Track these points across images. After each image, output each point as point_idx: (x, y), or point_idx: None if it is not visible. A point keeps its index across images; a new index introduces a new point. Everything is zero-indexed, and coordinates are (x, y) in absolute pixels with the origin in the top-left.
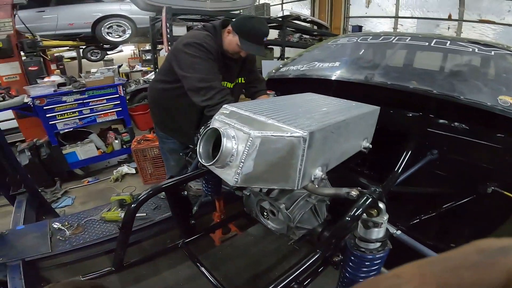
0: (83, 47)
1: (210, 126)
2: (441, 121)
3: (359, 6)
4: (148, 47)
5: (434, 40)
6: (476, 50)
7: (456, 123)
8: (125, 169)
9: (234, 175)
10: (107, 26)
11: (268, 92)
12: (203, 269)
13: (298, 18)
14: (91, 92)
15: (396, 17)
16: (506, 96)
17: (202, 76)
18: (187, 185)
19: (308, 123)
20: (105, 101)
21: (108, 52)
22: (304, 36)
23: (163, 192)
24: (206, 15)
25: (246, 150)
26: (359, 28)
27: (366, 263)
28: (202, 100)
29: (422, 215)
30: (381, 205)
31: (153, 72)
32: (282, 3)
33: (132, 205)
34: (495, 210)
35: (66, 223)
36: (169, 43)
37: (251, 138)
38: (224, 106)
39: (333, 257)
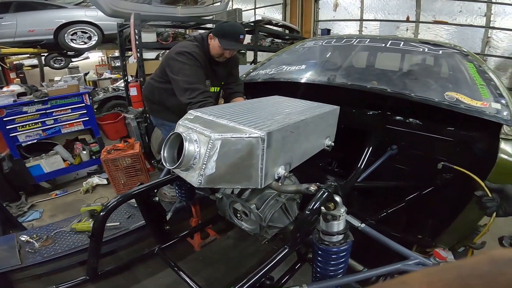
0: (45, 54)
1: (174, 131)
2: (397, 117)
3: (327, 10)
4: (117, 53)
5: (390, 41)
6: (426, 49)
7: (410, 119)
8: (95, 180)
9: (197, 176)
10: (71, 33)
11: None
12: (183, 274)
13: (270, 22)
14: (54, 101)
15: (361, 20)
16: (453, 92)
17: (189, 79)
18: (162, 192)
19: (268, 124)
20: (70, 110)
21: (73, 59)
22: (276, 40)
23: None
24: (178, 21)
25: (208, 152)
26: (328, 31)
27: (333, 256)
28: (186, 98)
29: (388, 209)
30: (337, 198)
31: (122, 80)
32: (255, 8)
33: (101, 213)
34: (454, 199)
35: (35, 236)
36: (138, 49)
37: (211, 141)
38: (189, 111)
39: (308, 253)
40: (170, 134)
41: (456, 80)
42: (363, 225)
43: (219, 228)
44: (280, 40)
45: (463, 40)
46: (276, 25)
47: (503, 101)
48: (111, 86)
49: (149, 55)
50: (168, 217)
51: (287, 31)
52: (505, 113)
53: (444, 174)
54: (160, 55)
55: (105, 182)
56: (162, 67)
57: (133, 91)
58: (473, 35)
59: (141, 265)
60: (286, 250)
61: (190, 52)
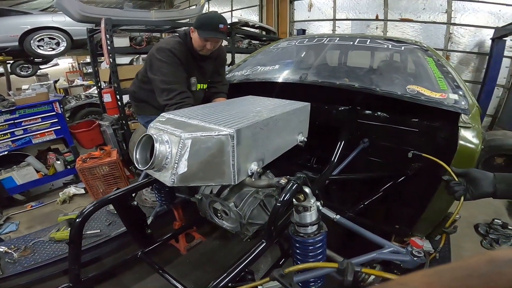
0: (11, 62)
1: (145, 133)
2: (367, 112)
3: (302, 10)
4: (88, 59)
5: (357, 40)
6: (390, 46)
7: (379, 113)
8: (72, 190)
9: (170, 176)
10: (38, 39)
11: None
12: (170, 278)
13: (246, 24)
14: (22, 111)
15: (334, 19)
16: (414, 85)
17: (166, 79)
18: (143, 198)
19: (238, 122)
20: (40, 120)
21: (41, 67)
22: (253, 41)
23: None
24: (152, 25)
25: (179, 152)
26: (303, 31)
27: (310, 247)
28: (163, 99)
29: (365, 200)
30: (306, 189)
31: (95, 87)
32: (232, 11)
33: (78, 219)
34: (424, 188)
35: (13, 246)
36: (110, 55)
37: (182, 140)
38: (162, 114)
39: (290, 249)
40: (141, 136)
41: (417, 74)
42: (338, 216)
43: (204, 231)
44: (257, 42)
45: (428, 37)
46: (253, 26)
47: (460, 92)
48: (83, 93)
49: (122, 60)
50: (149, 221)
51: (263, 33)
52: (462, 103)
53: (413, 164)
54: (134, 60)
55: (82, 191)
56: (145, 65)
57: (107, 98)
58: (436, 32)
59: (127, 271)
60: (264, 244)
61: (170, 48)
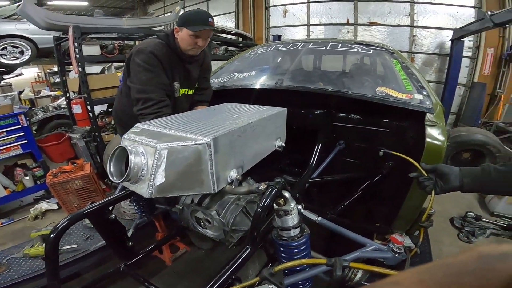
0: None
1: (119, 145)
2: (341, 114)
3: (277, 16)
4: (56, 68)
5: (330, 44)
6: (360, 50)
7: (352, 115)
8: (44, 205)
9: (147, 187)
10: (0, 48)
11: None
12: None
13: (223, 31)
14: None
15: (308, 24)
16: (382, 87)
17: (142, 87)
18: (121, 211)
19: (215, 130)
20: (4, 134)
21: (4, 77)
22: (230, 48)
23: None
24: (124, 33)
25: (155, 163)
26: (278, 37)
27: (294, 250)
28: (138, 109)
29: (345, 201)
30: (286, 193)
31: (63, 98)
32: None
33: (52, 235)
34: (399, 185)
35: None
36: (79, 64)
37: (157, 151)
38: (136, 125)
39: (276, 253)
40: (115, 148)
41: (384, 76)
42: (319, 218)
43: (189, 240)
44: (234, 48)
45: (394, 40)
46: (229, 33)
47: (424, 92)
48: (51, 104)
49: (93, 69)
50: (129, 233)
51: (240, 39)
52: (427, 103)
53: (387, 163)
54: (106, 68)
55: (55, 207)
56: (124, 73)
57: (76, 109)
58: (401, 34)
59: (111, 285)
60: (249, 250)
61: (151, 50)
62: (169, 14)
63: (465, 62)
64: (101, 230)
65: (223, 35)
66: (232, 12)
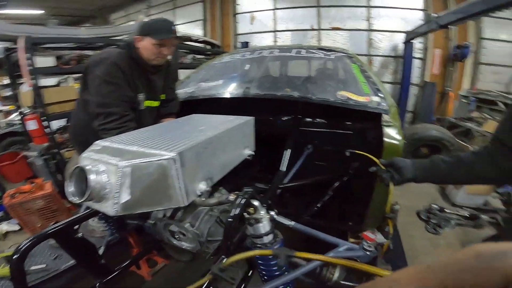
0: None
1: (77, 165)
2: (307, 119)
3: (245, 23)
4: (6, 81)
5: (294, 50)
6: (322, 55)
7: (318, 120)
8: (4, 227)
9: (112, 206)
10: None
11: None
12: None
13: (189, 39)
14: None
15: (275, 31)
16: (343, 91)
17: (103, 101)
18: (90, 229)
19: (180, 144)
20: None
21: None
22: (198, 56)
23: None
24: (82, 42)
25: (119, 181)
26: (246, 44)
27: (269, 256)
28: (99, 124)
29: (318, 203)
30: (255, 202)
31: (17, 113)
32: (174, 25)
33: (15, 256)
34: (366, 184)
35: None
36: (33, 76)
37: (120, 169)
38: (96, 142)
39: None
40: (74, 168)
41: (345, 80)
42: (293, 223)
43: (167, 254)
44: (202, 56)
45: (354, 43)
46: (196, 41)
47: (381, 95)
48: (3, 120)
49: (48, 81)
50: (101, 251)
51: (208, 47)
52: (383, 104)
53: (353, 163)
54: (63, 81)
55: (17, 227)
56: (80, 83)
57: (31, 125)
58: (360, 38)
59: None
60: (225, 260)
61: (113, 61)
62: (132, 22)
63: (416, 63)
64: (69, 250)
65: (190, 43)
66: (200, 20)
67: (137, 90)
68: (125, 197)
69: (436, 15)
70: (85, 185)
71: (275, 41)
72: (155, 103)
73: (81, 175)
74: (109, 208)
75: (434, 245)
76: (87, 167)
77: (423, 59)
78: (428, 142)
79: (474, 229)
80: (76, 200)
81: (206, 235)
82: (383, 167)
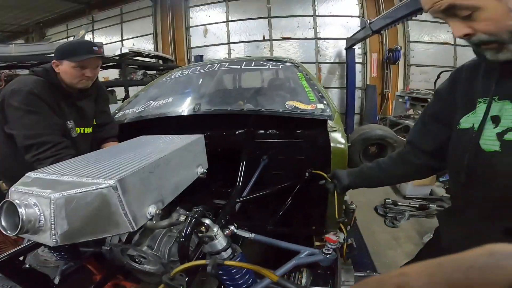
0: None
1: (6, 199)
2: (260, 131)
3: (198, 36)
4: None
5: (244, 63)
6: (270, 66)
7: (270, 131)
8: None
9: (50, 236)
10: None
11: None
12: None
13: (139, 54)
14: None
15: (228, 43)
16: (291, 100)
17: (30, 132)
18: (41, 260)
19: (122, 170)
20: None
21: None
22: (149, 72)
23: None
24: (13, 61)
25: (53, 213)
26: (200, 57)
27: (233, 271)
28: (31, 156)
29: (279, 211)
30: (206, 220)
31: None
32: (122, 40)
33: None
34: (321, 189)
35: None
36: None
37: (52, 201)
38: (27, 174)
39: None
40: (2, 203)
41: (292, 90)
42: (253, 235)
43: (135, 277)
44: (154, 71)
45: (304, 52)
46: (147, 56)
47: (325, 102)
48: None
49: None
50: (56, 280)
51: (160, 61)
52: (328, 111)
53: (307, 169)
54: None
55: None
56: None
57: None
58: (309, 47)
59: None
60: (187, 279)
61: (29, 90)
62: (72, 38)
63: (358, 68)
64: (19, 282)
65: (139, 58)
66: (150, 34)
67: (65, 117)
68: (62, 228)
69: (369, 21)
70: (18, 217)
71: (229, 53)
72: (88, 130)
73: (11, 208)
74: (48, 239)
75: (395, 238)
76: (16, 201)
77: (363, 64)
78: (374, 141)
79: (427, 219)
80: (9, 234)
81: (167, 256)
82: (329, 179)
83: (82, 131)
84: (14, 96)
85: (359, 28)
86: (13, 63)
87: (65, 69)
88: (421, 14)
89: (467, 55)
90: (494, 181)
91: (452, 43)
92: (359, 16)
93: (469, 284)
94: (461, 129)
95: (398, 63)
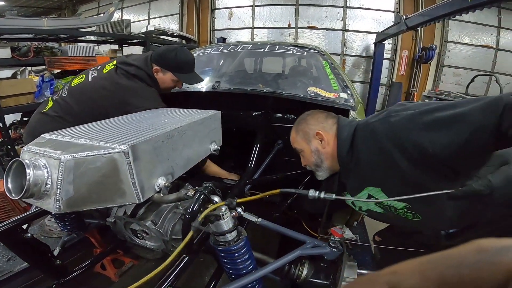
0: None
1: (16, 159)
2: (278, 115)
3: (223, 19)
4: None
5: (268, 46)
6: (295, 52)
7: (288, 115)
8: None
9: (54, 203)
10: None
11: None
12: None
13: (164, 33)
14: None
15: (252, 28)
16: (313, 87)
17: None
18: (46, 229)
19: (135, 137)
20: None
21: None
22: None
23: None
24: (44, 34)
25: (61, 176)
26: (223, 39)
27: (235, 254)
28: None
29: (289, 199)
30: (215, 198)
31: None
32: (149, 19)
33: None
34: None
35: None
36: None
37: (62, 163)
38: (42, 135)
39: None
40: (11, 161)
41: (315, 77)
42: (260, 219)
43: (134, 253)
44: None
45: (329, 43)
46: (171, 35)
47: (349, 92)
48: None
49: (2, 73)
50: (56, 252)
51: (183, 41)
52: (351, 101)
53: None
54: (19, 72)
55: None
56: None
57: None
58: (335, 38)
59: None
60: (186, 259)
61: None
62: (102, 15)
63: (385, 64)
64: (18, 251)
65: (164, 37)
66: (176, 14)
67: None
68: (68, 193)
69: (405, 16)
70: (25, 180)
71: (252, 38)
72: None
73: (20, 169)
74: (51, 205)
75: None
76: (26, 161)
77: (391, 60)
78: None
79: None
80: (13, 197)
81: (170, 233)
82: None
83: None
84: (133, 96)
85: (392, 24)
86: (44, 36)
87: (166, 78)
88: (467, 13)
89: (508, 61)
90: None
91: (494, 46)
92: (394, 11)
93: (460, 281)
94: None
95: (430, 63)
